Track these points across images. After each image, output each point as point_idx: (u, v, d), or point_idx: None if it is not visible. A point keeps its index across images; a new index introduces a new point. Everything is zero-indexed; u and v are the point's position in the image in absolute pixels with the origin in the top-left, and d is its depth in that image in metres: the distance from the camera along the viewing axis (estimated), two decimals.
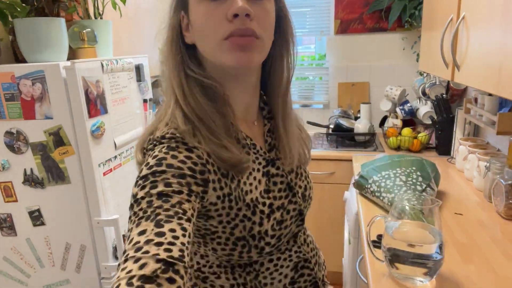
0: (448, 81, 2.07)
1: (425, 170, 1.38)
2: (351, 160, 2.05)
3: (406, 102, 2.31)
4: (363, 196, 1.46)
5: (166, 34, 0.67)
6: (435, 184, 1.38)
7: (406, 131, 2.14)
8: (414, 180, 1.31)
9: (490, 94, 1.56)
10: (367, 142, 2.21)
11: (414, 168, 1.38)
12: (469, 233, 1.15)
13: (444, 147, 1.98)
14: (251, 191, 0.68)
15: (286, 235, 0.73)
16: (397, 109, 2.32)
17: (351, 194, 1.66)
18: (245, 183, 0.67)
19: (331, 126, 2.27)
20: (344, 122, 2.23)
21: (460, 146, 1.71)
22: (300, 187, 0.78)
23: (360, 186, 1.45)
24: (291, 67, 0.74)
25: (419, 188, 1.28)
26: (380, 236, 1.09)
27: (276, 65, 0.73)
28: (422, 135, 2.06)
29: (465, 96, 2.08)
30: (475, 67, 1.06)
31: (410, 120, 2.34)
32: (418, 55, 2.30)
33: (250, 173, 0.69)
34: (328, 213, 2.18)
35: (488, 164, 1.38)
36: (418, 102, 2.30)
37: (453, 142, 1.90)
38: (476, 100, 1.65)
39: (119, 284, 0.43)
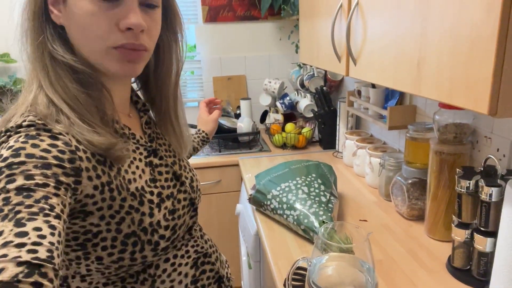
0: (325, 72, 2.01)
1: (325, 175, 1.25)
2: (237, 165, 1.84)
3: (286, 95, 2.20)
4: (262, 213, 1.25)
5: (25, 3, 0.56)
6: (335, 189, 1.25)
7: (290, 126, 2.03)
8: (317, 191, 1.15)
9: (373, 86, 1.51)
10: (252, 141, 2.02)
11: (314, 175, 1.22)
12: (382, 246, 1.04)
13: (328, 141, 1.92)
14: (135, 180, 0.62)
15: (181, 227, 0.67)
16: (277, 103, 2.19)
17: (246, 209, 1.44)
18: (126, 172, 0.61)
19: None
20: (226, 122, 1.99)
21: (347, 141, 1.65)
22: (186, 178, 0.74)
23: (258, 203, 1.23)
24: (180, 59, 0.72)
25: (323, 199, 1.12)
26: (301, 270, 0.88)
27: (164, 58, 0.70)
28: (306, 130, 1.97)
29: (343, 87, 2.06)
30: (379, 61, 0.92)
31: (291, 114, 2.24)
32: (297, 45, 2.19)
33: (132, 162, 0.63)
34: (219, 227, 1.93)
35: (382, 161, 1.32)
36: (296, 95, 2.21)
37: (337, 135, 1.85)
38: (359, 92, 1.60)
39: None
